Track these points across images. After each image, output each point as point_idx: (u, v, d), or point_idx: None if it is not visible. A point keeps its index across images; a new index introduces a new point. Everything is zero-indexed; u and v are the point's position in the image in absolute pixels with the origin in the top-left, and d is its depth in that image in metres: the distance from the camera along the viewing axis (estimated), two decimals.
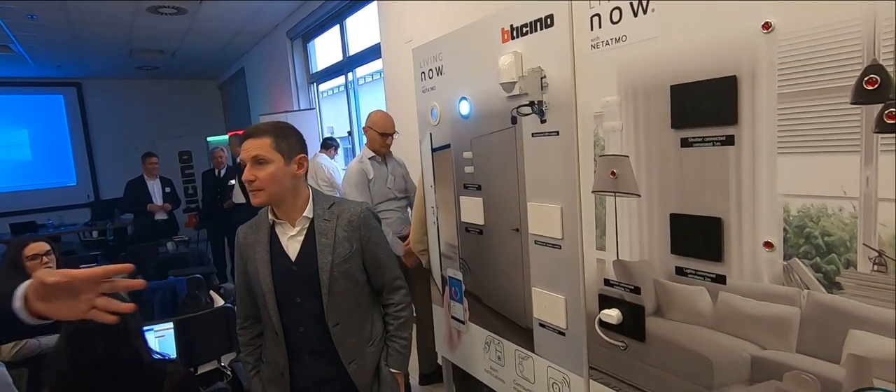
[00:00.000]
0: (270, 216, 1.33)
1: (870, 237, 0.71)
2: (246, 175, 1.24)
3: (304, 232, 1.32)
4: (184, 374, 1.52)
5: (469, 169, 1.52)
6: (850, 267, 0.73)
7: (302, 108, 5.69)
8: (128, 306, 0.83)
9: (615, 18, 1.02)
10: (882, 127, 0.68)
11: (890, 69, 0.66)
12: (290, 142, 1.28)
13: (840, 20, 0.70)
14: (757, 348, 0.86)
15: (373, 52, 4.19)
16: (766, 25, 0.78)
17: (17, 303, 0.84)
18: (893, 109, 0.67)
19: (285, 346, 1.31)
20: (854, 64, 0.69)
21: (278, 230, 1.33)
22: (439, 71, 1.59)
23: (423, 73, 1.68)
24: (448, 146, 1.61)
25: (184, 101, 8.14)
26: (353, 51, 4.79)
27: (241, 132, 5.39)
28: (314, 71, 5.77)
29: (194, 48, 6.30)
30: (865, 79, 0.68)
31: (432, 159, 1.71)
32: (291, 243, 1.32)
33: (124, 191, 5.03)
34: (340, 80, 5.21)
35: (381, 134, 2.63)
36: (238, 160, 1.24)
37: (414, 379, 2.59)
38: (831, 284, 0.76)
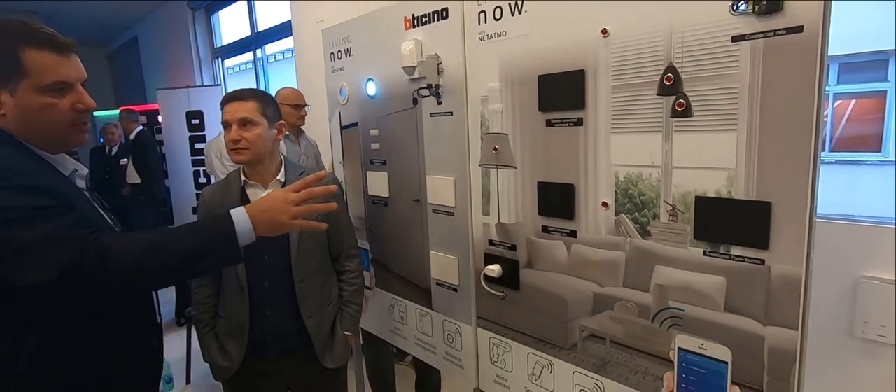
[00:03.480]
0: (242, 177, 1.43)
1: (668, 195, 0.95)
2: (233, 135, 1.36)
3: None
4: None
5: (375, 145, 1.65)
6: (656, 218, 0.98)
7: (205, 83, 5.41)
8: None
9: (497, 16, 1.19)
10: (675, 113, 0.92)
11: (680, 69, 0.90)
12: (273, 108, 1.45)
13: (649, 31, 0.92)
14: (597, 286, 1.10)
15: (284, 30, 4.11)
16: (604, 31, 0.99)
17: (243, 226, 0.97)
18: (682, 100, 0.90)
19: (249, 300, 1.41)
20: (658, 65, 0.92)
21: (249, 192, 1.44)
22: (348, 52, 1.69)
23: (333, 53, 1.76)
24: (356, 124, 1.72)
25: None
26: (262, 27, 4.65)
27: (134, 107, 4.98)
28: (219, 45, 5.49)
29: (76, 12, 5.70)
30: (665, 77, 0.91)
31: (341, 136, 1.81)
32: None
33: None
34: (248, 56, 5.02)
35: (293, 106, 2.67)
36: (223, 121, 1.39)
37: None
38: (645, 233, 1.00)
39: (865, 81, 6.27)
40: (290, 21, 3.69)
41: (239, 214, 0.98)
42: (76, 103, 0.94)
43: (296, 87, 3.45)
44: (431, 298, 1.54)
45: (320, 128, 2.58)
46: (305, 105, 2.75)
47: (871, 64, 6.16)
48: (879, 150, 6.23)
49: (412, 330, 1.65)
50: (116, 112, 6.48)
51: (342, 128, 1.80)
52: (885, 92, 6.11)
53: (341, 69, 1.73)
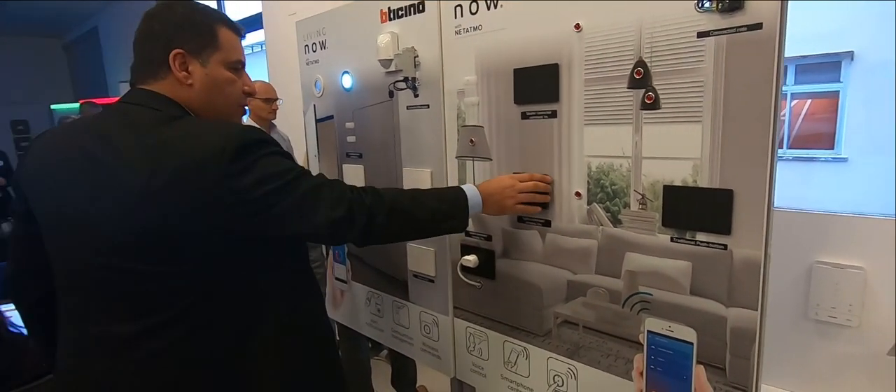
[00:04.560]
0: None
1: (638, 184, 0.99)
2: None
3: None
4: (43, 352, 1.45)
5: (351, 139, 1.64)
6: (626, 207, 1.02)
7: None
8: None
9: (473, 10, 1.21)
10: (644, 106, 0.95)
11: (649, 64, 0.94)
12: None
13: (620, 26, 0.96)
14: (571, 274, 1.14)
15: (254, 22, 4.03)
16: (577, 26, 1.02)
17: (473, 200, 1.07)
18: (651, 93, 0.94)
19: None
20: (629, 59, 0.96)
21: None
22: (323, 45, 1.68)
23: (307, 46, 1.75)
24: (331, 117, 1.71)
25: (17, 61, 6.95)
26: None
27: (96, 100, 4.80)
28: None
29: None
30: (635, 70, 0.95)
31: (316, 130, 1.80)
32: None
33: None
34: None
35: (265, 100, 2.64)
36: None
37: None
38: (616, 221, 1.04)
39: (820, 82, 6.58)
40: (260, 14, 3.61)
41: (471, 190, 1.08)
42: (245, 86, 1.01)
43: (268, 81, 3.39)
44: (408, 290, 1.56)
45: (292, 121, 2.55)
46: (277, 99, 2.72)
47: (825, 65, 6.48)
48: (832, 148, 6.56)
49: (389, 322, 1.66)
50: (76, 105, 6.22)
51: (317, 121, 1.78)
52: (838, 92, 6.44)
53: (316, 62, 1.72)
